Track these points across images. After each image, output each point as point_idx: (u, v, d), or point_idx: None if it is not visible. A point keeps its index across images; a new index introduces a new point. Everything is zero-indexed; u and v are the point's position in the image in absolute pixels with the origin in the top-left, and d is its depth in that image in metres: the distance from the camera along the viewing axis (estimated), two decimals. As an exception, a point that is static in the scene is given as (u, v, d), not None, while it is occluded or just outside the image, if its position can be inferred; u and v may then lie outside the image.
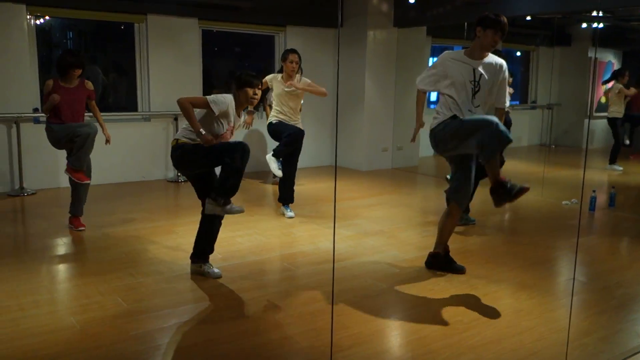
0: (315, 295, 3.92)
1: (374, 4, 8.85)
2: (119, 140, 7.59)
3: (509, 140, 3.77)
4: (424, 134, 4.39)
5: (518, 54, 12.28)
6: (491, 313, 3.68)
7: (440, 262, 4.40)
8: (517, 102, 11.30)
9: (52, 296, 3.86)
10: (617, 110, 9.32)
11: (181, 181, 7.73)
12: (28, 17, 6.97)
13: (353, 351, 3.13)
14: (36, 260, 4.61)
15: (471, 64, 4.04)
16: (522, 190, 3.86)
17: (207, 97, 4.04)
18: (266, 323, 3.49)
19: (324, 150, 9.51)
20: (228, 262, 4.57)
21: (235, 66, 10.04)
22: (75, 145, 5.12)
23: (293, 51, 6.03)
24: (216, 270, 4.24)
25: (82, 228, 5.38)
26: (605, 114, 9.70)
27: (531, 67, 12.02)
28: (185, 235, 5.15)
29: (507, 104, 4.33)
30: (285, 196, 6.08)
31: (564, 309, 3.74)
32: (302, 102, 6.19)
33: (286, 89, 5.95)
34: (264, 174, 8.33)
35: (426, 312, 3.69)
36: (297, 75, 6.08)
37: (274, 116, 6.06)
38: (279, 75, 6.05)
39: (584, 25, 11.01)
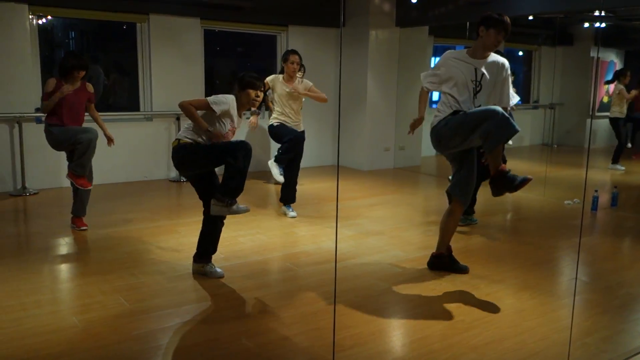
0: (317, 295, 3.92)
1: (376, 3, 8.85)
2: (121, 140, 7.58)
3: (515, 130, 3.72)
4: (426, 135, 4.37)
5: (520, 53, 12.26)
6: (493, 313, 3.67)
7: (443, 262, 4.40)
8: (520, 102, 11.29)
9: (54, 296, 3.87)
10: (619, 110, 9.32)
11: (183, 181, 7.74)
12: (30, 16, 6.98)
13: (355, 351, 3.13)
14: (38, 259, 4.62)
15: (473, 64, 4.03)
16: (525, 181, 3.79)
17: (208, 98, 4.04)
18: (268, 323, 3.50)
19: (326, 150, 9.51)
20: (230, 261, 4.57)
21: (238, 66, 10.04)
22: (77, 152, 5.12)
23: (294, 52, 6.03)
24: (218, 270, 4.24)
25: (85, 227, 5.39)
26: (607, 113, 9.70)
27: (533, 66, 12.00)
28: (188, 235, 5.16)
29: (513, 102, 4.31)
30: (287, 196, 6.09)
31: (566, 309, 3.73)
32: (303, 99, 6.18)
33: (287, 90, 5.94)
34: (266, 174, 8.32)
35: (428, 311, 3.69)
36: (300, 73, 6.08)
37: (275, 118, 6.06)
38: (280, 77, 6.05)
39: (586, 24, 10.99)
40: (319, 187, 7.68)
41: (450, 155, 4.24)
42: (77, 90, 5.21)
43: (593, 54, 11.55)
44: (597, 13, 8.66)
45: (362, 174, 8.85)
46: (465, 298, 3.91)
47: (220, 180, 4.09)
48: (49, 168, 7.12)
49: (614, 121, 9.39)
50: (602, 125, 10.76)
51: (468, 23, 8.46)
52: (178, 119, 7.88)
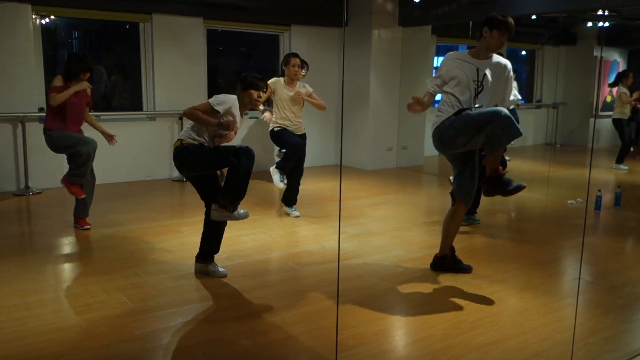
0: (320, 295, 3.92)
1: (378, 3, 8.84)
2: (124, 139, 7.59)
3: (519, 133, 3.75)
4: (429, 134, 4.36)
5: (523, 53, 12.25)
6: (496, 312, 3.67)
7: (447, 263, 4.39)
8: (523, 102, 11.27)
9: (57, 295, 3.87)
10: (622, 111, 9.30)
11: (185, 180, 7.74)
12: (33, 16, 7.00)
13: (358, 350, 3.13)
14: (41, 259, 4.63)
15: (475, 64, 4.02)
16: (519, 188, 3.90)
17: (209, 100, 4.05)
18: (271, 322, 3.50)
19: (329, 150, 9.51)
20: (233, 261, 4.57)
21: (240, 66, 10.04)
22: (75, 162, 5.14)
23: (295, 55, 6.02)
24: (221, 269, 4.25)
25: (88, 227, 5.40)
26: (610, 113, 9.68)
27: (536, 66, 11.99)
28: (191, 234, 5.16)
29: (514, 98, 4.31)
30: (290, 197, 6.10)
31: (569, 309, 3.73)
32: (303, 102, 6.18)
33: (289, 94, 5.92)
34: (268, 174, 8.30)
35: (431, 311, 3.69)
36: (303, 71, 6.07)
37: (276, 123, 6.03)
38: (282, 80, 6.03)
39: (590, 24, 10.97)
40: (321, 187, 7.68)
41: (451, 156, 4.23)
42: (80, 92, 5.22)
43: (596, 53, 11.54)
44: (600, 12, 8.64)
45: (364, 173, 8.85)
46: (468, 298, 3.90)
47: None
48: (52, 168, 7.11)
49: (617, 122, 9.37)
50: (605, 124, 10.74)
51: (471, 22, 8.46)
52: (181, 118, 7.89)
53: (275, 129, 6.02)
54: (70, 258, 4.77)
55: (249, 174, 3.97)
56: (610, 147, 10.43)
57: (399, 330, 3.51)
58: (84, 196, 5.30)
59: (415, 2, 8.63)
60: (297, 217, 5.98)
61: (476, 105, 4.00)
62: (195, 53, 8.14)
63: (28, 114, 6.87)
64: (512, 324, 3.51)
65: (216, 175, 4.24)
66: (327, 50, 9.25)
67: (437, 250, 4.45)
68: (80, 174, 5.19)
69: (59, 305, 3.69)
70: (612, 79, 10.25)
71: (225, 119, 4.02)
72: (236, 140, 4.48)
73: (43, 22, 7.20)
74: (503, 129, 3.72)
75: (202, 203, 4.23)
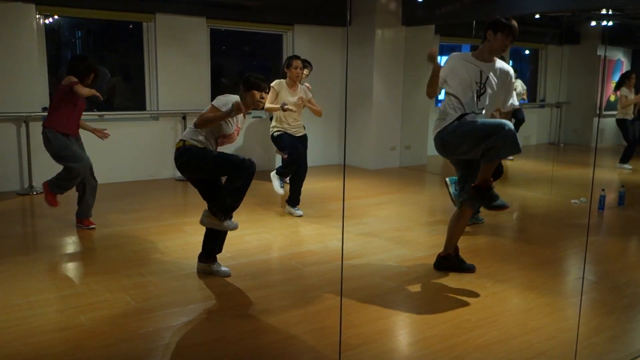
0: (323, 294, 3.92)
1: (382, 2, 8.84)
2: (127, 139, 7.64)
3: (519, 150, 3.79)
4: (431, 135, 4.34)
5: (527, 52, 12.23)
6: (499, 312, 3.67)
7: (450, 263, 4.38)
8: (527, 101, 11.26)
9: (60, 294, 3.88)
10: (625, 112, 9.28)
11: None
12: (37, 16, 7.01)
13: (361, 349, 3.13)
14: (45, 258, 4.64)
15: (479, 66, 4.01)
16: (502, 207, 4.01)
17: (212, 103, 4.05)
18: (274, 322, 3.50)
19: (332, 149, 9.51)
20: (236, 260, 4.57)
21: (243, 65, 10.05)
22: (64, 175, 5.16)
23: (296, 57, 6.00)
24: (225, 269, 4.25)
25: (93, 226, 5.41)
26: (614, 112, 9.66)
27: (540, 65, 11.97)
28: (194, 233, 5.17)
29: (516, 103, 4.31)
30: (293, 197, 6.10)
31: (572, 308, 3.72)
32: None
33: (291, 99, 5.90)
34: (269, 173, 8.32)
35: (434, 310, 3.68)
36: (306, 71, 6.06)
37: (276, 128, 6.00)
38: (284, 82, 6.00)
39: (593, 23, 10.95)
40: (324, 186, 7.68)
41: (454, 159, 4.24)
42: (82, 97, 5.22)
43: (600, 52, 11.52)
44: (604, 11, 8.63)
45: (368, 173, 8.85)
46: (472, 297, 3.90)
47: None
48: (56, 167, 7.07)
49: (620, 122, 9.35)
50: (609, 124, 10.72)
51: (474, 22, 8.45)
52: (184, 117, 7.90)
53: (276, 134, 5.99)
54: (73, 257, 4.78)
55: (245, 189, 4.00)
56: (614, 147, 10.41)
57: (402, 329, 3.51)
58: (57, 206, 5.33)
59: (418, 2, 8.62)
60: (300, 216, 5.98)
61: (479, 108, 3.98)
62: (198, 52, 8.15)
63: (32, 114, 6.88)
64: (515, 323, 3.50)
65: (218, 178, 4.23)
66: (330, 49, 9.25)
67: (440, 250, 4.45)
68: (63, 187, 5.22)
69: (63, 304, 3.69)
70: (615, 78, 10.23)
71: (237, 104, 3.98)
72: (237, 139, 4.48)
73: (47, 21, 7.22)
74: (504, 143, 3.74)
75: (205, 203, 4.23)
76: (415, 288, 4.08)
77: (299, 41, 8.91)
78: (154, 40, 7.81)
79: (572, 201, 6.87)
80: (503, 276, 4.32)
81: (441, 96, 4.27)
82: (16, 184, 7.03)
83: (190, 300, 3.83)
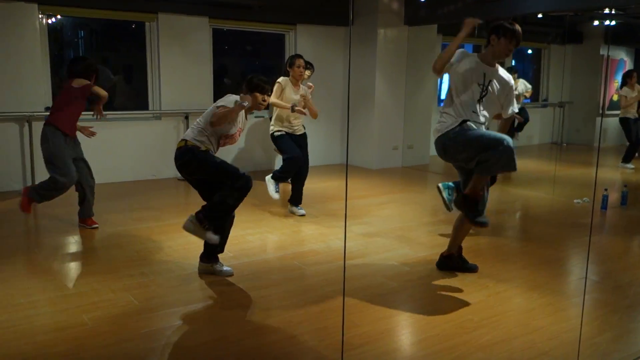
0: (325, 294, 3.92)
1: (384, 2, 8.83)
2: (129, 138, 7.65)
3: (514, 169, 3.78)
4: (432, 136, 4.32)
5: (529, 51, 12.22)
6: (502, 312, 3.66)
7: (453, 263, 4.38)
8: (529, 100, 11.26)
9: (63, 294, 3.88)
10: (628, 110, 9.26)
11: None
12: (40, 16, 7.02)
13: (364, 349, 3.13)
14: (48, 258, 4.64)
15: (483, 69, 4.00)
16: (482, 225, 4.07)
17: (214, 105, 4.05)
18: (276, 321, 3.50)
19: (334, 149, 9.51)
20: (238, 260, 4.58)
21: (246, 65, 10.06)
22: (48, 184, 5.09)
23: (299, 56, 5.98)
24: (227, 268, 4.25)
25: (96, 225, 5.42)
26: (617, 112, 9.65)
27: (542, 64, 11.97)
28: (196, 233, 5.16)
29: (517, 110, 4.31)
30: (296, 197, 6.11)
31: (575, 308, 3.71)
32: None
33: (295, 96, 5.90)
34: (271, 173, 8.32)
35: (436, 310, 3.68)
36: (308, 72, 6.05)
37: (276, 128, 5.98)
38: (289, 79, 5.99)
39: (596, 22, 10.95)
40: (327, 186, 7.68)
41: (456, 164, 4.24)
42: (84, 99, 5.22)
43: (603, 52, 11.51)
44: (607, 11, 8.62)
45: (370, 172, 8.85)
46: (474, 297, 3.89)
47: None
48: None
49: (623, 121, 9.34)
50: (612, 123, 10.72)
51: (477, 21, 8.44)
52: (187, 117, 7.90)
53: (276, 134, 5.97)
54: (76, 257, 4.79)
55: (236, 206, 4.05)
56: (616, 146, 10.40)
57: (405, 329, 3.51)
58: (29, 213, 5.34)
59: (421, 1, 8.62)
60: (303, 215, 5.98)
61: (480, 111, 3.96)
62: (201, 52, 8.15)
63: (34, 113, 6.89)
64: (517, 323, 3.50)
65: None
66: (333, 49, 9.24)
67: (442, 250, 4.45)
68: (44, 196, 5.17)
69: (65, 303, 3.70)
70: (618, 77, 10.23)
71: (243, 96, 4.03)
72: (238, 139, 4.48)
73: (49, 21, 7.23)
74: (500, 158, 3.72)
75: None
76: (418, 288, 4.08)
77: (301, 41, 8.91)
78: (156, 40, 7.81)
79: (575, 201, 6.86)
80: (505, 276, 4.32)
81: (442, 96, 4.27)
82: (19, 183, 7.04)
83: (192, 300, 3.83)
